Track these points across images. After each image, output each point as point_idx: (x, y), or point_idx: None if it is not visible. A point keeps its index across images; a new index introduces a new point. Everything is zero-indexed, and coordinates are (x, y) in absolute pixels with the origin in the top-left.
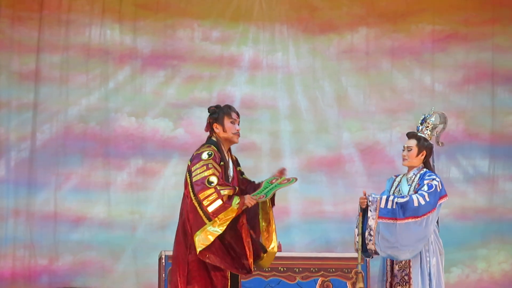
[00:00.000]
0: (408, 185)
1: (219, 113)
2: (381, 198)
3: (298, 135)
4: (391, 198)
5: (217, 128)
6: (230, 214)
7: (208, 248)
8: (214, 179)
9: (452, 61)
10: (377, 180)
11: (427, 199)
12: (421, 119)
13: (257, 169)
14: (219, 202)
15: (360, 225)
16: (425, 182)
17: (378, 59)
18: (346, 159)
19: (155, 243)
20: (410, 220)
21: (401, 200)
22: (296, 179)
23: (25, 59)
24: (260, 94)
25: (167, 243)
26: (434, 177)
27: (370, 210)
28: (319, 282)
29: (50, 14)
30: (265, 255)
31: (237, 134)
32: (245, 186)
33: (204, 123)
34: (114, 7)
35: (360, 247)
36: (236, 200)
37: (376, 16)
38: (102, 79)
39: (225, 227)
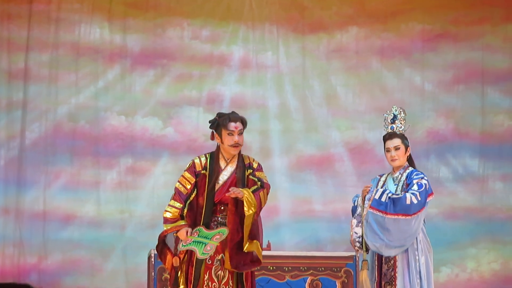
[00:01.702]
0: (395, 185)
1: (218, 124)
2: (377, 190)
3: (288, 134)
4: (386, 192)
5: (217, 139)
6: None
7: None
8: (175, 190)
9: (442, 61)
10: (367, 179)
11: (419, 198)
12: (390, 119)
13: None
14: (166, 214)
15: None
16: (415, 181)
17: (368, 58)
18: (336, 158)
19: (144, 242)
20: (400, 216)
21: (395, 197)
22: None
23: (14, 58)
24: (249, 93)
25: (156, 242)
26: (423, 176)
27: (365, 200)
28: (308, 281)
29: (40, 12)
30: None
31: (234, 146)
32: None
33: (194, 122)
34: (103, 6)
35: (362, 236)
36: (175, 224)
37: (366, 16)
38: (91, 77)
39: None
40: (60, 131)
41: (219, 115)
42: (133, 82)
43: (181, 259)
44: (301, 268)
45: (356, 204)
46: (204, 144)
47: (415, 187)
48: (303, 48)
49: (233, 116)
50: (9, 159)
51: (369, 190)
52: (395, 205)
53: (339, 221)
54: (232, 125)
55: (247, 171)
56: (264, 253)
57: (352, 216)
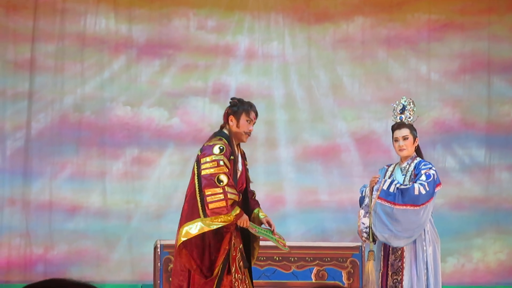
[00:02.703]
0: (403, 175)
1: (239, 107)
2: (385, 181)
3: (294, 124)
4: (394, 182)
5: (232, 121)
6: (226, 220)
7: (186, 244)
8: (224, 178)
9: (448, 51)
10: (373, 169)
11: (427, 189)
12: (399, 109)
13: (252, 159)
14: (222, 204)
15: (371, 206)
16: (423, 171)
17: (374, 48)
18: (342, 148)
19: (150, 232)
20: (408, 207)
21: (403, 188)
22: (287, 250)
23: (20, 48)
24: (255, 83)
25: (162, 232)
26: (431, 166)
27: (373, 190)
28: (314, 271)
29: (45, 3)
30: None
31: (248, 134)
32: (248, 187)
33: (200, 112)
34: None
35: (369, 227)
36: (236, 210)
37: (372, 5)
38: (97, 68)
39: (213, 228)
40: (66, 121)
41: (240, 100)
42: (139, 72)
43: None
44: (307, 258)
45: (363, 194)
46: (210, 134)
47: (423, 177)
48: (309, 38)
49: (254, 107)
50: (15, 150)
51: (377, 180)
52: (403, 196)
53: (345, 211)
54: (253, 114)
55: (246, 161)
56: (270, 243)
57: (360, 207)
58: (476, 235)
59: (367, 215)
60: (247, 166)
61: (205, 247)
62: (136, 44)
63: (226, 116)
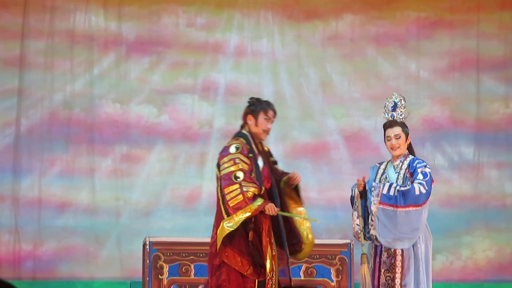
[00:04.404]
0: (396, 173)
1: (256, 106)
2: (384, 184)
3: (283, 122)
4: (394, 185)
5: (250, 120)
6: (247, 212)
7: (226, 245)
8: (240, 175)
9: (437, 48)
10: (362, 167)
11: (426, 188)
12: (391, 106)
13: None
14: (240, 198)
15: (359, 207)
16: (419, 170)
17: (363, 46)
18: (331, 146)
19: (139, 229)
20: (411, 208)
21: (403, 189)
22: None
23: (10, 45)
24: (244, 81)
25: (151, 229)
26: (425, 164)
27: (373, 196)
28: (303, 268)
29: (35, 0)
30: (304, 246)
31: (267, 132)
32: (279, 176)
33: (189, 110)
34: None
35: (362, 229)
36: (258, 202)
37: (361, 3)
38: (86, 65)
39: (238, 224)
40: (55, 118)
41: (258, 99)
42: (128, 69)
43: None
44: None
45: (354, 194)
46: (199, 131)
47: (420, 176)
48: (299, 36)
49: (272, 105)
50: (4, 146)
51: (363, 184)
52: (405, 198)
53: (335, 209)
54: (271, 112)
55: (271, 158)
56: None
57: (352, 207)
58: (465, 233)
59: (359, 217)
60: (275, 161)
61: (249, 246)
62: (126, 42)
63: (245, 116)
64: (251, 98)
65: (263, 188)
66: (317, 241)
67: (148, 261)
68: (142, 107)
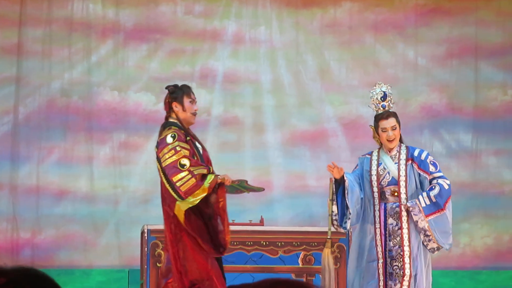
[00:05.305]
0: (395, 163)
1: (178, 92)
2: (418, 200)
3: (281, 109)
4: (425, 194)
5: (176, 107)
6: (201, 193)
7: (187, 223)
8: (185, 162)
9: (435, 36)
10: (360, 154)
11: (445, 176)
12: (380, 97)
13: (240, 144)
14: (192, 181)
15: (330, 192)
16: (427, 161)
17: (361, 33)
18: (329, 133)
19: (137, 217)
20: (450, 202)
21: (435, 191)
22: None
23: (7, 33)
24: (243, 68)
25: (149, 217)
26: (426, 151)
27: (415, 214)
28: (301, 256)
29: None
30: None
31: (195, 114)
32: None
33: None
34: None
35: (334, 215)
36: (208, 179)
37: None
38: (84, 53)
39: (196, 203)
40: (53, 106)
41: (176, 86)
42: (126, 57)
43: None
44: (294, 243)
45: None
46: (197, 119)
47: (432, 168)
48: (297, 23)
49: (191, 87)
50: (2, 134)
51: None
52: (441, 196)
53: None
54: (193, 95)
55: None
56: (257, 228)
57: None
58: (463, 220)
59: (334, 204)
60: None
61: (207, 225)
62: (124, 29)
63: (169, 105)
64: (168, 86)
65: (211, 168)
66: (315, 229)
67: (146, 249)
68: (140, 94)
